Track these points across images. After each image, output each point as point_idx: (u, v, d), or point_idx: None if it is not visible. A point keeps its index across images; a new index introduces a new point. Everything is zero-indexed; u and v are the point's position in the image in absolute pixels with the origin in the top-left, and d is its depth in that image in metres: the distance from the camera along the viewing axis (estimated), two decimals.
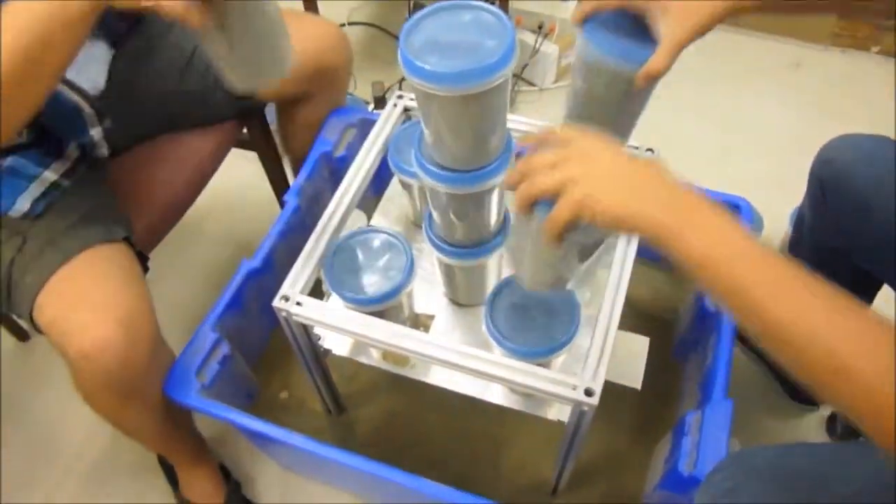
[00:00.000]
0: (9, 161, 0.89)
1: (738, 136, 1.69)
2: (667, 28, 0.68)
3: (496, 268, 0.98)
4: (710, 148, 1.66)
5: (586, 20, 0.73)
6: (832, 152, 0.95)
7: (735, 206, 1.11)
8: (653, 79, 0.69)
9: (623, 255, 0.88)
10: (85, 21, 0.70)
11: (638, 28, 0.72)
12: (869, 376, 0.46)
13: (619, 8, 0.72)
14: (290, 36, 0.80)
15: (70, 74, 0.94)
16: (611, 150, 0.60)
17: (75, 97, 0.95)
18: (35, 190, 0.91)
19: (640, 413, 1.20)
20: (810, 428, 1.25)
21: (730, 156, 1.65)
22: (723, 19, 0.68)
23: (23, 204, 0.89)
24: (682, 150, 1.61)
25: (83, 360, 0.83)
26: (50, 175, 0.92)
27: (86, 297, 0.84)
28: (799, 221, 1.07)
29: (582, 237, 0.65)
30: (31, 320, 0.87)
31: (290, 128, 1.24)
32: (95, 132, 0.99)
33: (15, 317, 1.39)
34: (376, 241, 0.92)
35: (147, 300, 0.90)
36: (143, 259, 0.98)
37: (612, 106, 0.77)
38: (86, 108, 0.96)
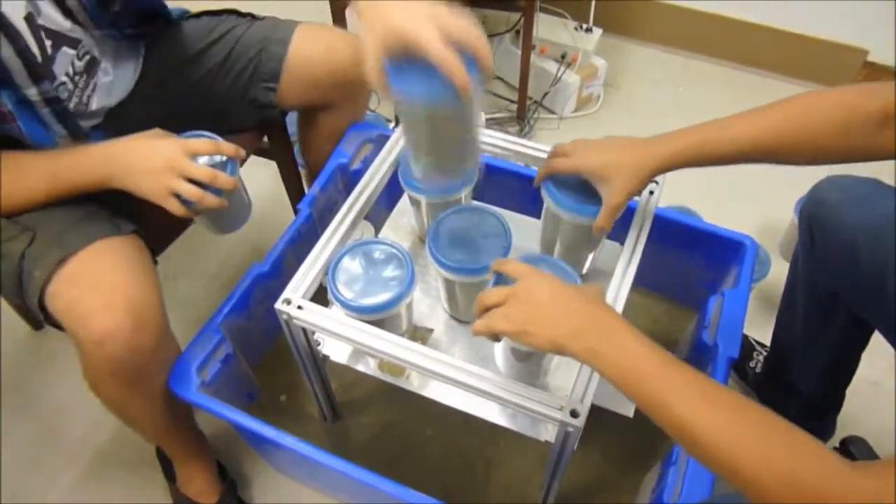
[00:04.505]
0: None
1: (757, 179, 1.69)
2: (606, 194, 0.86)
3: None
4: (727, 189, 1.67)
5: (547, 179, 0.94)
6: (820, 193, 0.95)
7: (740, 245, 1.12)
8: (601, 232, 0.89)
9: (619, 281, 0.90)
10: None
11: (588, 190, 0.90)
12: (772, 492, 0.54)
13: (571, 175, 0.91)
14: (251, 204, 1.07)
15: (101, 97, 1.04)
16: (551, 288, 0.71)
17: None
18: None
19: (634, 442, 1.20)
20: None
21: (746, 199, 1.65)
22: (651, 180, 0.85)
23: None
24: (700, 189, 1.62)
25: (93, 345, 0.86)
26: None
27: (96, 285, 0.87)
28: (794, 263, 1.07)
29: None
30: (44, 312, 0.90)
31: (310, 135, 1.27)
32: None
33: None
34: (380, 253, 0.94)
35: (157, 291, 0.93)
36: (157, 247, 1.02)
37: (573, 243, 1.01)
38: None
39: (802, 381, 1.13)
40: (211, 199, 0.91)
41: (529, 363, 0.93)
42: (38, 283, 0.87)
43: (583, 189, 0.91)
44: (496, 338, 0.75)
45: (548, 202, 0.95)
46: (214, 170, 0.91)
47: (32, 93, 0.89)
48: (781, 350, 1.17)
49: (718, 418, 0.57)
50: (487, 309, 0.74)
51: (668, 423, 0.60)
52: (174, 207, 0.90)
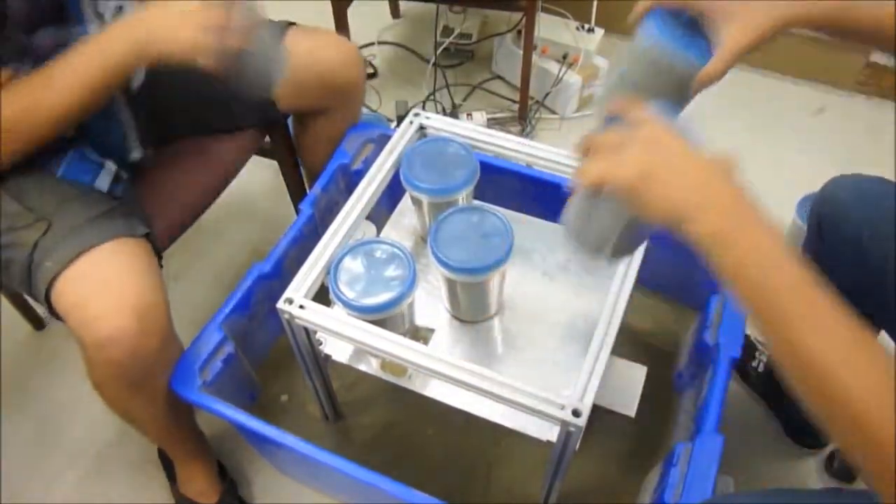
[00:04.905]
0: (70, 154, 0.99)
1: (758, 179, 1.68)
2: (727, 35, 0.68)
3: (498, 285, 1.00)
4: None
5: (649, 13, 0.73)
6: (830, 191, 0.95)
7: None
8: (706, 84, 0.70)
9: (621, 280, 0.90)
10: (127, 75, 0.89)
11: (694, 32, 0.72)
12: (883, 432, 0.47)
13: (680, 8, 0.72)
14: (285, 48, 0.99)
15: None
16: (682, 146, 0.59)
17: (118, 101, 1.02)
18: (106, 175, 1.01)
19: (636, 442, 1.20)
20: (810, 471, 1.24)
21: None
22: (781, 32, 0.69)
23: (102, 183, 1.00)
24: None
25: (98, 348, 0.86)
26: (110, 165, 1.02)
27: (105, 287, 0.87)
28: (803, 252, 1.07)
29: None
30: (49, 304, 0.90)
31: (306, 140, 1.28)
32: (133, 138, 1.05)
33: (32, 301, 1.43)
34: (382, 252, 0.94)
35: (163, 294, 0.93)
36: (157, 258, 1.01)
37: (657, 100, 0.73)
38: (125, 111, 1.03)
39: None
40: (233, 37, 0.86)
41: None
42: (48, 275, 0.87)
43: (689, 30, 0.73)
44: (597, 191, 0.63)
45: (645, 39, 0.72)
46: (228, 8, 0.87)
47: (93, 29, 0.90)
48: None
49: (854, 361, 0.49)
50: (589, 154, 0.62)
51: (785, 345, 0.52)
52: (204, 59, 0.85)
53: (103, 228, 0.91)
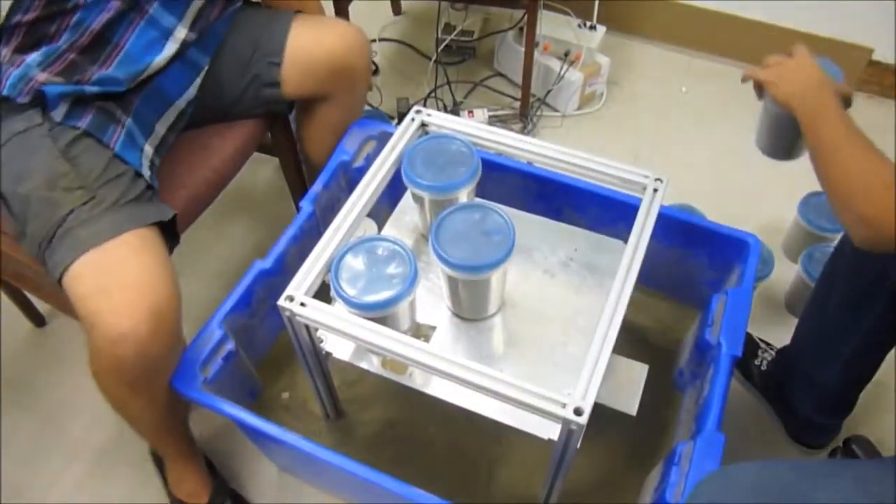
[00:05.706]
0: (129, 123, 1.02)
1: (761, 178, 1.68)
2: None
3: (499, 283, 1.00)
4: (731, 188, 1.67)
5: None
6: None
7: (744, 243, 1.12)
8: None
9: (622, 279, 0.89)
10: None
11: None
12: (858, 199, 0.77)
13: None
14: None
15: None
16: (810, 67, 0.92)
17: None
18: (146, 160, 1.03)
19: (637, 440, 1.19)
20: None
21: (750, 197, 1.65)
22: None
23: (145, 169, 1.01)
24: (704, 187, 1.62)
25: (106, 342, 0.86)
26: (148, 149, 1.05)
27: (123, 281, 0.87)
28: (841, 245, 1.06)
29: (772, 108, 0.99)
30: (61, 279, 0.89)
31: (309, 128, 1.28)
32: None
33: (32, 298, 1.42)
34: (383, 250, 0.94)
35: (177, 296, 0.92)
36: (175, 240, 1.02)
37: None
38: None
39: (823, 377, 1.13)
40: None
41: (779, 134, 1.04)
42: (81, 245, 0.87)
43: None
44: (759, 93, 1.01)
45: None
46: None
47: None
48: (804, 343, 1.16)
49: (856, 153, 0.80)
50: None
51: (828, 162, 0.82)
52: None
53: (141, 211, 0.93)
